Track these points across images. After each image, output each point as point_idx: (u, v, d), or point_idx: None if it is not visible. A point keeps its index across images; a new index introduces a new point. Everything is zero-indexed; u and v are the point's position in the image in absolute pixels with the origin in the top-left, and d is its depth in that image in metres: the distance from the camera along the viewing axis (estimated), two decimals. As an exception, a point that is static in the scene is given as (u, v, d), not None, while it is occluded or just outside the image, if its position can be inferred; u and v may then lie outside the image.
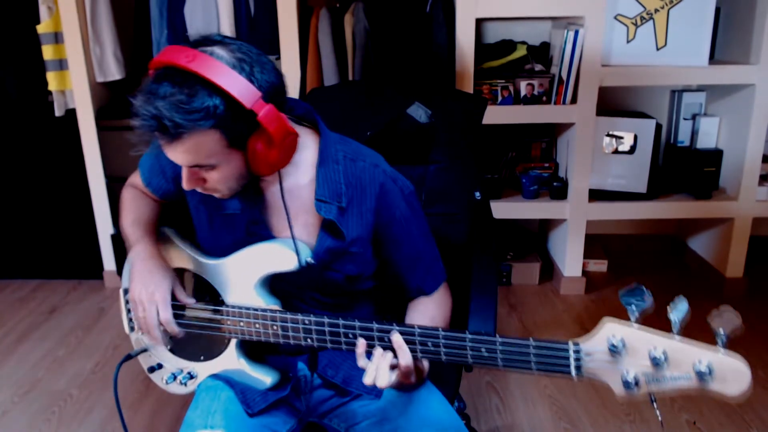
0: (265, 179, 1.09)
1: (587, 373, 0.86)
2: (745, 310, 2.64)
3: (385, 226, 1.12)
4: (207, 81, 0.90)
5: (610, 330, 0.83)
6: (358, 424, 1.13)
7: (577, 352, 0.86)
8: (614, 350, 0.83)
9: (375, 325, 0.99)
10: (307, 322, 1.04)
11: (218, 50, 0.94)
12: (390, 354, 0.99)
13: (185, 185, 1.01)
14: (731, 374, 0.77)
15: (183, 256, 1.19)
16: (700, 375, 0.78)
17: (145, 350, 1.26)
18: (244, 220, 1.11)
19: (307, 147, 1.10)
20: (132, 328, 1.27)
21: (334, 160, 1.08)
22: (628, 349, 0.82)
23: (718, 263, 2.72)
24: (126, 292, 1.26)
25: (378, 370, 0.97)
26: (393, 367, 0.98)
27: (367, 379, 0.97)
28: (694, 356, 0.79)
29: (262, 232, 1.11)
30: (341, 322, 1.02)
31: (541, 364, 0.88)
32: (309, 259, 1.08)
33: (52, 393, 2.11)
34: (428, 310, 1.19)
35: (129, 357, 1.26)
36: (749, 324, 2.53)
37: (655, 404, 0.83)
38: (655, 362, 0.80)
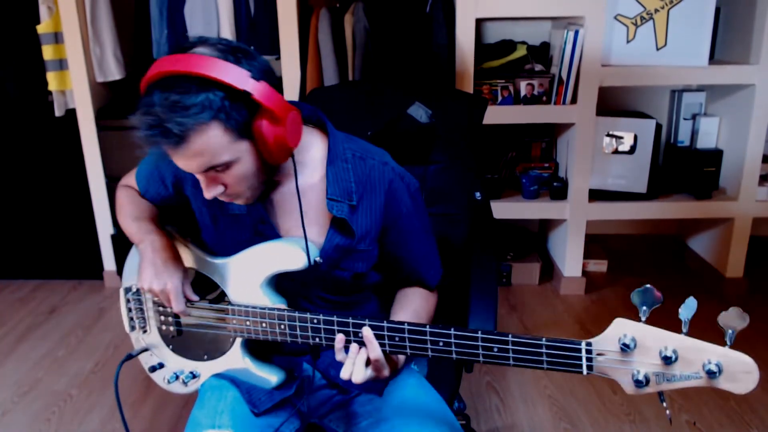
0: (275, 179, 1.09)
1: (598, 371, 0.87)
2: (745, 310, 2.64)
3: (392, 222, 1.13)
4: (195, 76, 0.91)
5: (622, 329, 0.84)
6: (357, 424, 1.13)
7: (589, 351, 0.87)
8: (625, 349, 0.84)
9: (385, 324, 0.99)
10: (315, 321, 1.04)
11: (200, 48, 0.95)
12: (364, 349, 1.00)
13: (207, 194, 1.01)
14: (740, 373, 0.79)
15: (187, 254, 1.19)
16: (710, 373, 0.80)
17: (146, 350, 1.26)
18: (250, 221, 1.11)
19: (315, 146, 1.11)
20: (132, 327, 1.27)
21: (343, 159, 1.09)
22: (639, 348, 0.84)
23: (718, 263, 2.72)
24: (127, 290, 1.26)
25: (354, 365, 0.99)
26: (368, 362, 1.00)
27: (344, 374, 0.99)
28: (703, 355, 0.81)
29: (269, 233, 1.11)
30: (351, 320, 1.02)
31: (553, 362, 0.89)
32: (317, 258, 1.08)
33: (52, 393, 2.11)
34: (416, 299, 1.20)
35: (130, 356, 1.25)
36: (750, 324, 2.53)
37: (664, 403, 0.84)
38: (666, 361, 0.82)
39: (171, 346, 1.22)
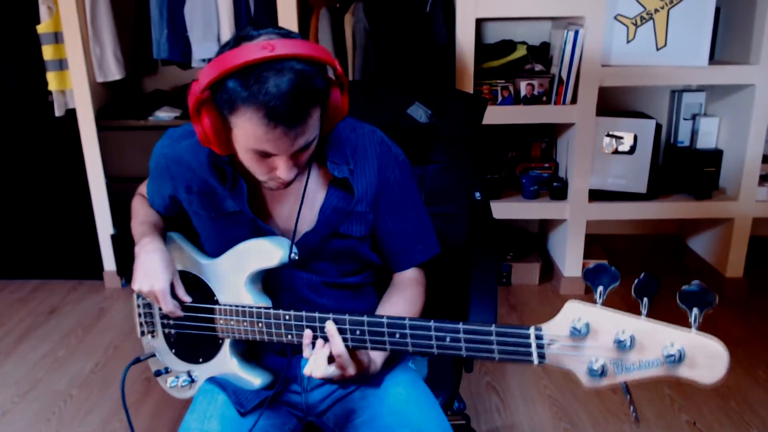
0: None
1: (551, 360, 0.79)
2: (745, 310, 2.64)
3: (382, 187, 1.15)
4: (300, 58, 0.92)
5: (574, 312, 0.77)
6: (352, 421, 1.13)
7: (539, 338, 0.80)
8: (576, 334, 0.76)
9: (347, 317, 0.99)
10: (287, 317, 1.04)
11: (273, 36, 0.95)
12: (328, 345, 1.00)
13: (287, 175, 0.99)
14: (705, 359, 0.69)
15: (184, 258, 1.20)
16: (670, 358, 0.70)
17: (153, 355, 1.27)
18: (245, 218, 1.12)
19: None
20: (143, 333, 1.27)
21: (336, 131, 1.13)
22: (592, 333, 0.75)
23: (718, 263, 2.72)
24: (138, 296, 1.27)
25: (315, 360, 1.00)
26: (332, 359, 1.01)
27: (306, 369, 1.00)
28: (663, 338, 0.71)
29: (262, 227, 1.12)
30: (318, 315, 1.01)
31: (504, 352, 0.83)
32: (294, 255, 1.08)
33: (52, 393, 2.11)
34: (407, 288, 1.21)
35: (138, 360, 1.26)
36: (749, 324, 2.54)
37: (628, 396, 0.75)
38: (621, 346, 0.73)
39: (174, 350, 1.23)
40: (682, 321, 0.74)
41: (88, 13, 2.54)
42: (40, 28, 2.52)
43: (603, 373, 0.74)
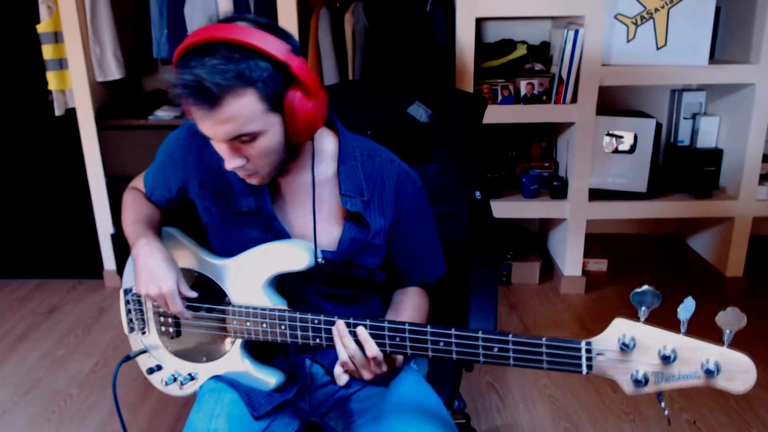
0: (287, 173, 1.10)
1: (597, 371, 0.87)
2: (745, 310, 2.64)
3: (399, 216, 1.15)
4: (239, 44, 0.93)
5: (621, 329, 0.85)
6: (354, 422, 1.13)
7: (588, 351, 0.87)
8: (625, 348, 0.84)
9: (386, 324, 1.00)
10: (316, 321, 1.04)
11: (240, 22, 0.97)
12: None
13: (228, 164, 1.01)
14: (738, 372, 0.79)
15: (188, 256, 1.18)
16: (708, 373, 0.80)
17: (144, 351, 1.25)
18: (260, 218, 1.11)
19: (328, 142, 1.14)
20: (132, 329, 1.27)
21: (353, 158, 1.12)
22: (638, 348, 0.84)
23: (718, 263, 2.72)
24: (127, 292, 1.25)
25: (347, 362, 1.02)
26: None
27: (340, 378, 1.03)
28: (702, 354, 0.81)
29: (279, 229, 1.11)
30: (352, 321, 1.02)
31: (553, 362, 0.89)
32: (320, 259, 1.08)
33: (52, 393, 2.11)
34: (411, 301, 1.22)
35: (128, 358, 1.25)
36: (749, 324, 2.54)
37: (662, 403, 0.84)
38: (665, 360, 0.82)
39: (170, 348, 1.22)
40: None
41: (88, 13, 2.54)
42: (40, 28, 2.52)
43: (645, 382, 0.84)
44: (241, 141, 0.99)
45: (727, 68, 2.46)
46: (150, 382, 1.26)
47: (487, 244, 1.43)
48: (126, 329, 1.28)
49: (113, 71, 2.63)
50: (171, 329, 1.20)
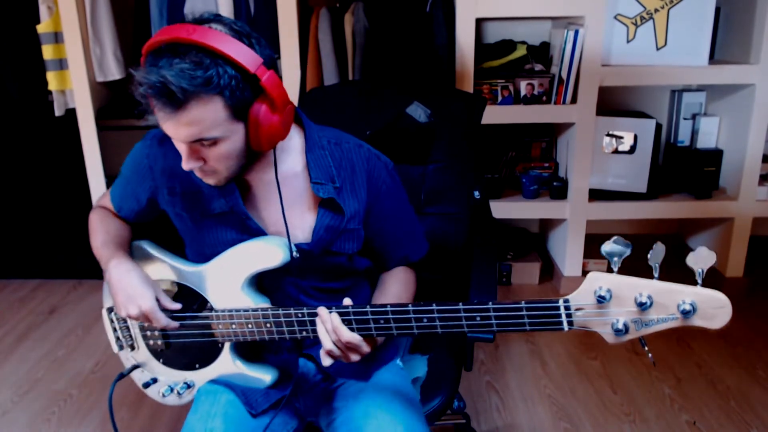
0: (254, 170, 1.10)
1: (579, 325, 0.89)
2: (745, 310, 2.63)
3: (374, 199, 1.16)
4: (210, 50, 0.92)
5: (596, 281, 0.87)
6: (333, 423, 1.14)
7: (567, 308, 0.89)
8: (602, 300, 0.86)
9: (369, 309, 1.00)
10: (300, 314, 1.05)
11: (215, 25, 0.96)
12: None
13: (185, 164, 1.01)
14: (713, 309, 0.82)
15: (163, 267, 1.18)
16: (685, 313, 0.83)
17: (137, 367, 1.25)
18: (234, 218, 1.11)
19: (294, 137, 1.14)
20: (120, 347, 1.26)
21: (320, 146, 1.13)
22: (614, 298, 0.86)
23: (718, 263, 2.72)
24: (110, 311, 1.25)
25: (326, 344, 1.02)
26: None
27: (323, 355, 1.02)
28: (677, 296, 0.84)
29: (254, 227, 1.11)
30: (335, 309, 1.02)
31: (535, 323, 0.91)
32: (295, 253, 1.08)
33: (52, 393, 2.11)
34: (396, 282, 1.23)
35: (122, 376, 1.25)
36: (749, 324, 2.54)
37: (646, 347, 0.87)
38: (642, 307, 0.84)
39: (162, 360, 1.21)
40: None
41: (88, 13, 2.54)
42: (40, 28, 2.52)
43: (626, 330, 0.86)
44: (201, 144, 0.99)
45: (727, 68, 2.46)
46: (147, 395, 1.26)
47: (487, 245, 1.43)
48: (115, 348, 1.27)
49: (113, 71, 2.63)
50: (159, 341, 1.20)
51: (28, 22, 2.55)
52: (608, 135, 2.60)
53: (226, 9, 2.43)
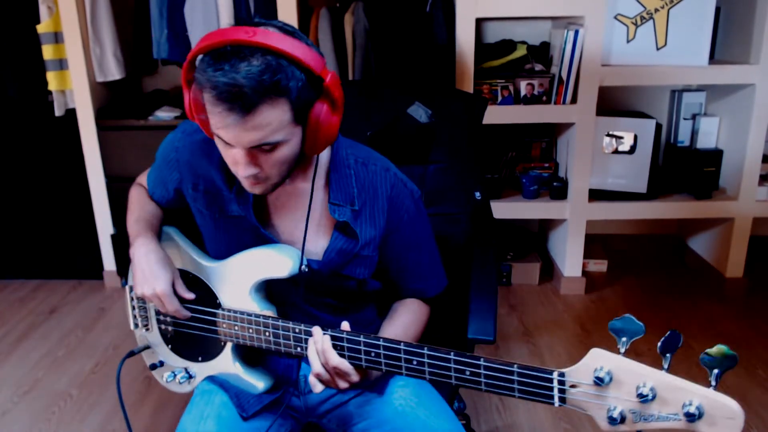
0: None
1: (571, 404, 0.82)
2: (745, 310, 2.63)
3: (394, 227, 1.12)
4: (276, 51, 0.90)
5: (597, 360, 0.79)
6: (355, 425, 1.12)
7: (561, 382, 0.83)
8: (599, 383, 0.79)
9: (362, 339, 0.98)
10: (297, 330, 1.03)
11: (268, 27, 0.94)
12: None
13: (244, 171, 0.97)
14: (722, 418, 0.73)
15: (182, 257, 1.19)
16: (689, 416, 0.74)
17: (147, 347, 1.27)
18: (249, 223, 1.11)
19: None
20: (136, 325, 1.27)
21: (346, 165, 1.10)
22: (614, 383, 0.79)
23: (718, 263, 2.72)
24: (132, 289, 1.26)
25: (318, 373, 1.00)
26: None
27: (313, 382, 1.01)
28: (684, 395, 0.75)
29: (268, 235, 1.11)
30: (330, 333, 1.00)
31: (524, 391, 0.85)
32: (305, 267, 1.07)
33: (52, 393, 2.11)
34: (415, 308, 1.20)
35: (132, 353, 1.26)
36: (749, 324, 2.54)
37: None
38: (643, 399, 0.76)
39: (170, 345, 1.22)
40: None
41: (88, 13, 2.54)
42: (40, 28, 2.52)
43: (622, 420, 0.78)
44: (261, 150, 0.96)
45: (727, 68, 2.46)
46: (152, 380, 1.26)
47: (487, 245, 1.43)
48: (131, 325, 1.29)
49: (113, 71, 2.63)
50: (169, 327, 1.21)
51: (28, 22, 2.55)
52: (608, 135, 2.60)
53: (226, 9, 2.43)
